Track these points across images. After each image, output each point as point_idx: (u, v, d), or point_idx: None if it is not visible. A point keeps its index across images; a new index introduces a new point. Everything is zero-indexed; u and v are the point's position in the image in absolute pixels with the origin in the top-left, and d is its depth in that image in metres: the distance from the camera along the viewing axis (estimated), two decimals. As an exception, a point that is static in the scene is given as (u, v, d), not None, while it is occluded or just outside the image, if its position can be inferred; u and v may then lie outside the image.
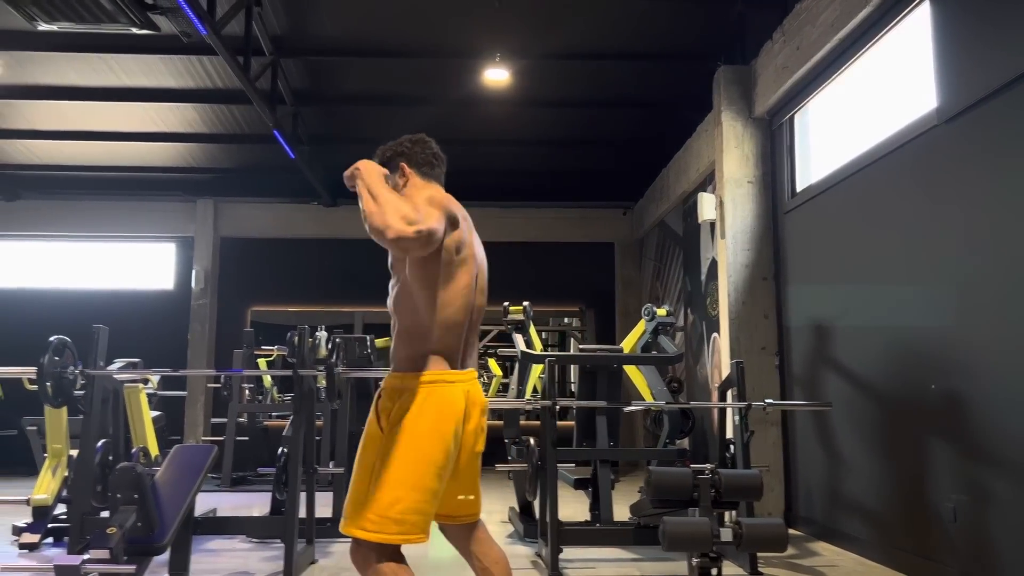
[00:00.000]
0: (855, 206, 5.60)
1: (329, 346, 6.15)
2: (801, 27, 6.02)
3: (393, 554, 2.41)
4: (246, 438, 9.46)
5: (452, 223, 2.46)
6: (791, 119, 6.76)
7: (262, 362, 10.32)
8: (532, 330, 6.56)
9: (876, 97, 5.58)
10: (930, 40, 4.69)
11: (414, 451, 2.40)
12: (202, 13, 5.96)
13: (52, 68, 8.07)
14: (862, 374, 5.54)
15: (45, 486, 5.63)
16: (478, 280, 2.62)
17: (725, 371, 6.58)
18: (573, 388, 11.09)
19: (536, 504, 5.42)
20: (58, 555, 4.97)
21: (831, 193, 5.94)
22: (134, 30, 6.63)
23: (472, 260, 2.56)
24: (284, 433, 5.62)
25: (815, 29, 5.80)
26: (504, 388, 12.03)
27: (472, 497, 2.65)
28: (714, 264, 7.93)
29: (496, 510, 7.17)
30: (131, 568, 3.59)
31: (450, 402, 2.47)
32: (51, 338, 4.66)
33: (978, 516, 4.20)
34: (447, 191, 2.64)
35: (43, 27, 6.58)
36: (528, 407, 6.79)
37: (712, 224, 7.68)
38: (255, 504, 7.53)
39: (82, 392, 4.74)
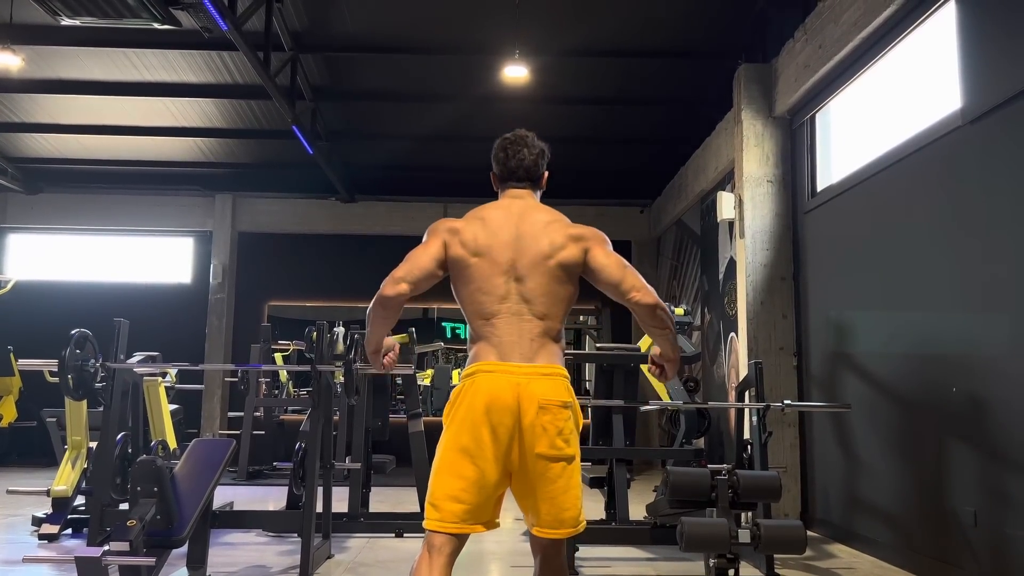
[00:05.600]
0: (876, 207, 5.55)
1: (347, 342, 6.16)
2: (824, 25, 5.97)
3: (429, 540, 2.44)
4: (262, 432, 9.53)
5: (445, 244, 2.59)
6: (812, 118, 6.71)
7: (278, 356, 10.36)
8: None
9: (899, 97, 5.53)
10: (955, 40, 4.64)
11: (441, 439, 2.51)
12: (223, 9, 5.99)
13: (74, 62, 8.13)
14: (882, 375, 5.49)
15: (65, 478, 5.67)
16: (496, 271, 2.56)
17: (743, 371, 6.55)
18: (588, 387, 11.08)
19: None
20: (78, 547, 5.04)
21: (852, 193, 5.89)
22: (156, 25, 6.67)
23: (482, 259, 2.56)
24: (302, 428, 5.64)
25: (838, 28, 5.76)
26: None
27: (544, 508, 2.57)
28: (732, 263, 7.89)
29: (511, 506, 7.15)
30: (150, 560, 3.62)
31: (478, 390, 2.45)
32: (73, 331, 4.69)
33: (999, 521, 4.16)
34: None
35: (66, 22, 6.63)
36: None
37: (731, 223, 7.64)
38: (271, 498, 7.58)
39: (102, 385, 4.77)
